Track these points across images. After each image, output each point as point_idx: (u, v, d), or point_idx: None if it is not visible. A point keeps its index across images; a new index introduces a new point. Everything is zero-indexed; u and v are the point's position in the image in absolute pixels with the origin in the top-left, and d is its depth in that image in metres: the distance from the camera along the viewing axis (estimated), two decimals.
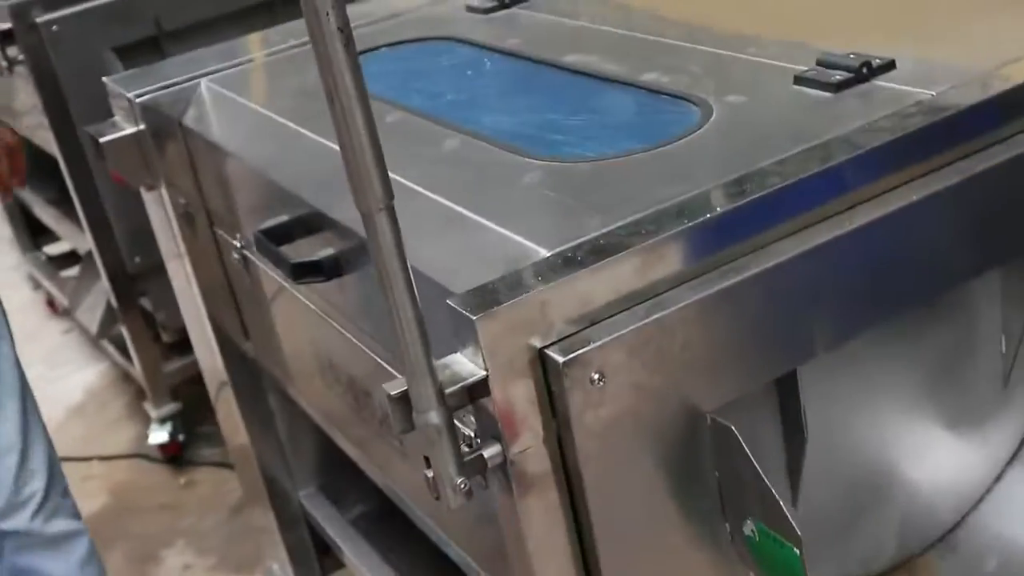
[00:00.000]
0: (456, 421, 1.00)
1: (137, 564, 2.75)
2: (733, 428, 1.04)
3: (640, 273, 1.04)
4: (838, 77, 1.27)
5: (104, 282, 3.02)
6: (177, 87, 1.79)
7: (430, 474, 1.01)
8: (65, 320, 3.90)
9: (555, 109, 1.42)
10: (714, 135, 1.25)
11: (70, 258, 3.80)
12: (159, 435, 3.04)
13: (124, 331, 2.97)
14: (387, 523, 2.02)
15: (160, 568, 2.73)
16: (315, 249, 1.40)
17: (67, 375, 3.58)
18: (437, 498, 1.02)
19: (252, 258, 1.69)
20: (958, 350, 1.33)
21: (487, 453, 1.02)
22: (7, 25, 2.65)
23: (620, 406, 1.02)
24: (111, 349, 3.23)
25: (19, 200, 3.71)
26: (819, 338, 1.12)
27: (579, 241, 1.06)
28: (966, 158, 1.18)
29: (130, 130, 1.79)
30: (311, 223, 1.43)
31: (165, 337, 3.08)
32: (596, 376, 1.00)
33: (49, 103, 2.71)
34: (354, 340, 1.42)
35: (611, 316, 1.03)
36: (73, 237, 3.31)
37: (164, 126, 1.76)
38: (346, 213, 1.35)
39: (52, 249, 3.86)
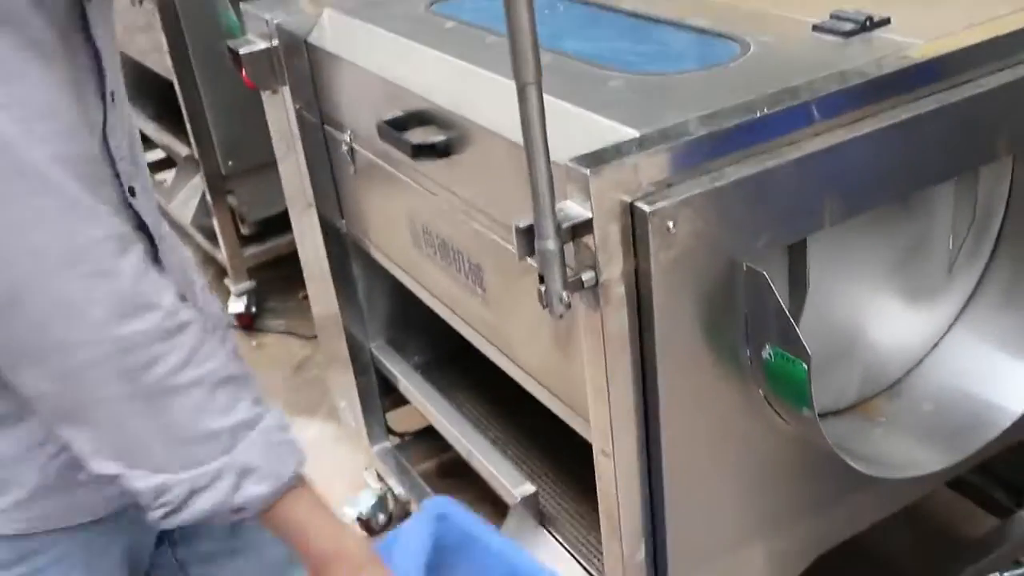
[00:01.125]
0: None
1: None
2: (764, 272, 1.16)
3: (705, 152, 1.15)
4: (848, 27, 1.37)
5: (200, 181, 3.09)
6: (304, 13, 1.86)
7: (543, 288, 1.12)
8: None
9: (623, 40, 1.50)
10: (753, 62, 1.34)
11: (163, 164, 3.85)
12: (237, 305, 3.11)
13: (214, 221, 3.04)
14: (442, 370, 2.14)
15: None
16: (427, 136, 1.49)
17: None
18: (546, 307, 1.13)
19: (359, 148, 1.78)
20: (919, 241, 1.45)
21: (584, 277, 1.12)
22: None
23: (685, 249, 1.13)
24: (199, 237, 3.29)
25: None
26: (827, 214, 1.23)
27: (661, 127, 1.16)
28: (939, 93, 1.29)
29: (264, 45, 1.86)
30: (423, 116, 1.51)
31: (243, 229, 3.17)
32: (670, 224, 1.11)
33: (169, 30, 2.75)
34: (453, 209, 1.52)
35: (683, 182, 1.14)
36: (171, 145, 3.36)
37: (293, 43, 1.82)
38: (455, 106, 1.45)
39: (148, 156, 3.89)
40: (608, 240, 1.11)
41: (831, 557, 1.47)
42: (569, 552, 1.66)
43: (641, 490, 1.28)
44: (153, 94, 3.68)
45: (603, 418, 1.23)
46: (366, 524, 2.29)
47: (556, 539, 1.70)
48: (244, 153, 2.94)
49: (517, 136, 1.25)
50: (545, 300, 1.12)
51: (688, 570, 1.33)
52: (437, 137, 1.46)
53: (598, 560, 1.61)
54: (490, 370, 2.16)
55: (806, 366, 1.14)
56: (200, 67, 2.81)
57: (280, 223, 3.12)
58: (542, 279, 1.11)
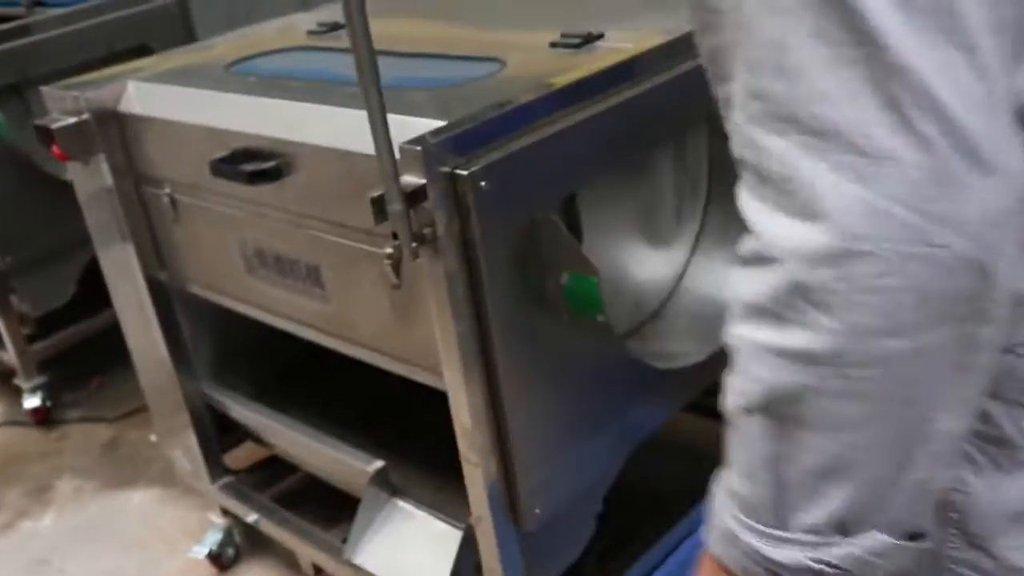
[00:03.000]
0: None
1: (36, 494, 2.89)
2: (554, 216, 1.56)
3: (495, 131, 1.55)
4: (576, 41, 1.83)
5: None
6: (111, 85, 2.10)
7: (397, 243, 1.46)
8: None
9: (412, 71, 1.87)
10: (512, 71, 1.77)
11: None
12: (32, 401, 3.17)
13: None
14: (270, 397, 2.37)
15: (55, 494, 2.88)
16: (257, 166, 1.79)
17: None
18: (399, 261, 1.47)
19: (180, 196, 2.04)
20: (653, 197, 1.93)
21: (426, 231, 1.48)
22: None
23: (493, 204, 1.50)
24: None
25: None
26: (582, 174, 1.66)
27: (459, 117, 1.55)
28: (645, 80, 1.76)
29: (74, 119, 2.08)
30: (247, 152, 1.80)
31: (25, 327, 3.24)
32: (483, 184, 1.49)
33: None
34: (286, 225, 1.83)
35: (484, 154, 1.52)
36: None
37: (104, 113, 2.06)
38: (280, 135, 1.76)
39: None
40: (438, 201, 1.48)
41: (615, 499, 1.85)
42: (426, 512, 1.96)
43: (487, 412, 1.62)
44: None
45: (453, 355, 1.57)
46: (217, 559, 2.47)
47: (410, 505, 1.99)
48: (21, 248, 3.06)
49: (342, 146, 1.62)
50: (396, 254, 1.46)
51: (531, 472, 1.68)
52: (268, 164, 1.77)
53: (451, 512, 1.93)
54: (316, 384, 2.45)
55: (596, 278, 1.55)
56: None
57: (62, 316, 3.25)
58: (395, 236, 1.45)
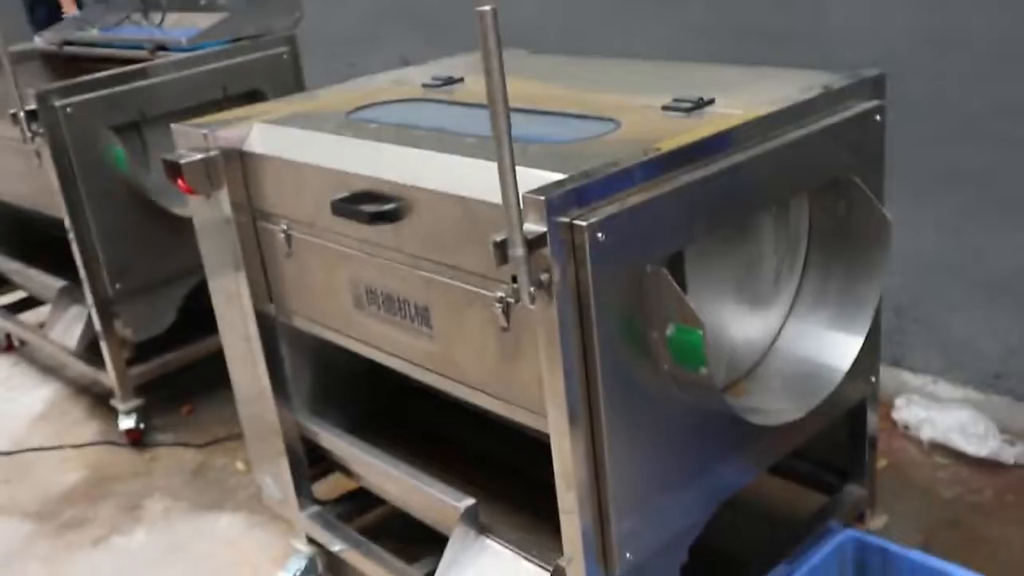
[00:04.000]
0: None
1: (127, 511, 2.98)
2: (663, 268, 1.61)
3: (614, 186, 1.61)
4: (687, 105, 1.90)
5: (79, 310, 3.29)
6: (237, 125, 2.21)
7: (515, 286, 1.51)
8: (10, 356, 4.02)
9: (532, 125, 1.94)
10: (627, 132, 1.84)
11: (20, 306, 3.97)
12: (127, 423, 3.28)
13: (103, 344, 3.22)
14: (362, 432, 2.43)
15: (146, 512, 2.97)
16: (377, 207, 1.87)
17: (24, 394, 3.73)
18: (518, 301, 1.53)
19: (296, 233, 2.13)
20: (754, 261, 1.97)
21: (543, 277, 1.53)
22: (32, 106, 2.95)
23: (608, 255, 1.56)
24: (78, 363, 3.44)
25: None
26: (695, 230, 1.71)
27: (580, 171, 1.61)
28: (754, 146, 1.81)
29: (201, 156, 2.18)
30: (368, 194, 1.88)
31: (125, 352, 3.36)
32: (600, 235, 1.54)
33: (60, 168, 3.00)
34: (399, 265, 1.90)
35: (602, 207, 1.58)
36: (42, 282, 3.53)
37: (229, 151, 2.17)
38: (402, 180, 1.84)
39: (1, 300, 4.02)
40: (556, 248, 1.53)
41: (693, 561, 1.85)
42: (514, 552, 1.98)
43: (587, 456, 1.66)
44: (12, 237, 3.86)
45: (559, 399, 1.61)
46: None
47: (499, 544, 2.01)
48: (129, 276, 3.19)
49: (462, 192, 1.69)
50: (515, 296, 1.52)
51: (625, 517, 1.71)
52: (388, 206, 1.85)
53: (539, 553, 1.96)
54: (408, 422, 2.51)
55: (701, 332, 1.59)
56: (89, 200, 3.07)
57: (160, 343, 3.36)
58: (514, 279, 1.51)
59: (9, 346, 4.07)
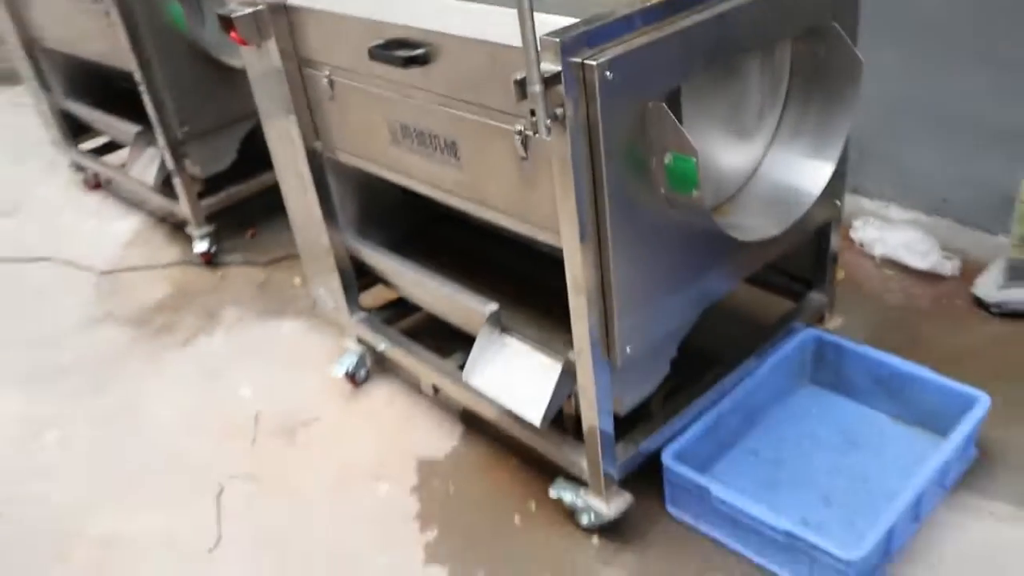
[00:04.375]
0: None
1: (207, 319, 3.01)
2: (663, 103, 1.55)
3: (621, 29, 1.52)
4: None
5: (154, 151, 3.23)
6: None
7: (533, 119, 1.46)
8: (99, 192, 3.99)
9: None
10: None
11: (103, 149, 3.91)
12: (201, 246, 3.27)
13: (176, 180, 3.18)
14: (400, 250, 2.40)
15: (222, 318, 3.00)
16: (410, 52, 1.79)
17: (113, 224, 3.70)
18: (534, 133, 1.48)
19: (337, 78, 2.05)
20: (743, 95, 1.89)
21: (558, 111, 1.48)
22: None
23: (615, 91, 1.50)
24: (156, 197, 3.41)
25: (61, 109, 3.78)
26: (691, 68, 1.63)
27: (586, 17, 1.53)
28: None
29: (251, 10, 2.07)
30: (401, 41, 1.80)
31: (196, 186, 3.32)
32: (608, 74, 1.47)
33: (129, 28, 2.88)
34: (430, 104, 1.83)
35: (610, 48, 1.50)
36: (119, 128, 3.45)
37: (276, 5, 2.06)
38: (432, 27, 1.74)
39: (87, 145, 3.94)
40: (570, 86, 1.47)
41: (681, 356, 1.87)
42: (531, 347, 2.00)
43: (595, 266, 1.64)
44: (92, 89, 3.75)
45: (571, 218, 1.59)
46: (352, 378, 2.57)
47: (518, 340, 2.04)
48: (195, 120, 3.11)
49: (485, 37, 1.60)
50: (532, 128, 1.46)
51: (625, 318, 1.71)
52: (419, 51, 1.77)
53: (552, 348, 1.98)
54: (440, 241, 2.48)
55: (694, 160, 1.54)
56: (155, 55, 2.95)
57: (224, 178, 3.32)
58: (532, 113, 1.45)
59: (97, 184, 4.02)
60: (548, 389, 1.88)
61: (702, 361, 2.11)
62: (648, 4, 1.55)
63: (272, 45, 2.12)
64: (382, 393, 2.57)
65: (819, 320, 2.33)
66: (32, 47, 3.68)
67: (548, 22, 1.54)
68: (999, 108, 2.63)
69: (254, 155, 3.17)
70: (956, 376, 2.06)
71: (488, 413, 2.15)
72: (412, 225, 2.52)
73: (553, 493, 2.05)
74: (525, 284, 2.30)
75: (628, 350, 1.74)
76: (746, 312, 2.46)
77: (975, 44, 2.61)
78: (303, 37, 2.09)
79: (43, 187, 4.10)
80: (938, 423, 2.06)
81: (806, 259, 2.28)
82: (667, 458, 1.95)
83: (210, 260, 3.32)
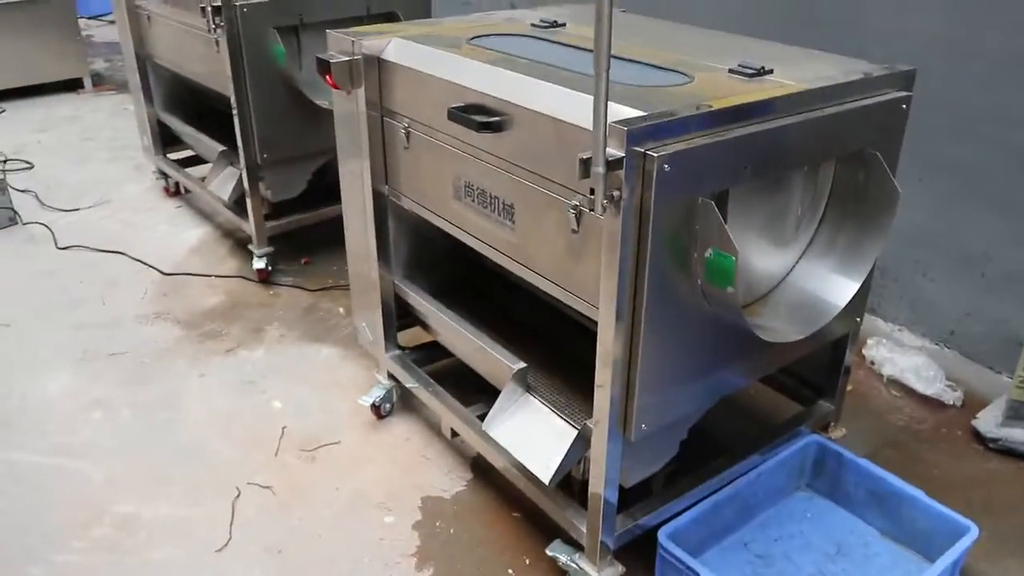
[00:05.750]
0: None
1: (252, 332, 3.01)
2: (712, 202, 1.53)
3: (683, 128, 1.52)
4: (750, 71, 1.79)
5: (234, 170, 3.28)
6: (379, 37, 2.13)
7: (591, 196, 1.45)
8: (176, 200, 4.04)
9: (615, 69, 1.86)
10: (698, 86, 1.74)
11: (187, 162, 3.97)
12: (259, 263, 3.29)
13: (248, 200, 3.21)
14: (443, 299, 2.39)
15: (266, 335, 3.00)
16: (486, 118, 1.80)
17: (183, 231, 3.74)
18: (590, 210, 1.47)
19: (414, 131, 2.07)
20: (781, 209, 1.88)
21: (615, 193, 1.47)
22: (218, 3, 2.88)
23: (669, 183, 1.49)
24: (226, 212, 3.45)
25: (157, 119, 3.86)
26: (742, 175, 1.62)
27: (656, 111, 1.53)
28: (801, 113, 1.70)
29: (347, 58, 2.10)
30: (478, 106, 1.81)
31: (264, 209, 3.35)
32: (666, 166, 1.47)
33: (233, 57, 2.94)
34: (495, 168, 1.84)
35: (671, 143, 1.50)
36: (207, 144, 3.52)
37: (370, 57, 2.10)
38: (507, 98, 1.75)
39: (173, 155, 4.01)
40: (630, 171, 1.46)
41: (689, 440, 1.82)
42: (551, 409, 1.97)
43: (625, 343, 1.62)
44: (186, 106, 3.84)
45: (611, 293, 1.57)
46: (377, 409, 2.54)
47: (540, 401, 2.00)
48: (275, 149, 3.15)
49: (557, 115, 1.61)
50: (592, 205, 1.45)
51: (646, 396, 1.68)
52: (494, 118, 1.78)
53: (570, 415, 1.94)
54: (481, 295, 2.47)
55: (734, 258, 1.52)
56: (251, 84, 3.01)
57: (289, 207, 3.35)
58: (591, 192, 1.45)
59: (176, 191, 4.09)
60: (561, 451, 1.84)
61: (708, 448, 2.06)
62: (710, 109, 1.55)
63: (361, 92, 2.15)
64: (402, 428, 2.54)
65: (824, 428, 2.27)
66: (144, 61, 3.78)
67: (617, 111, 1.54)
68: (1012, 252, 2.60)
69: (322, 189, 3.23)
70: (948, 503, 1.99)
71: (499, 463, 2.10)
72: (456, 275, 2.51)
73: (549, 552, 1.99)
74: (554, 348, 2.27)
75: (644, 426, 1.70)
76: (756, 409, 2.41)
77: (995, 190, 2.59)
78: (390, 89, 2.12)
79: (130, 185, 4.17)
80: (926, 546, 1.98)
81: (820, 367, 2.23)
82: (663, 536, 1.88)
83: (265, 278, 3.34)
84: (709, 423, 1.88)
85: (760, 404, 2.41)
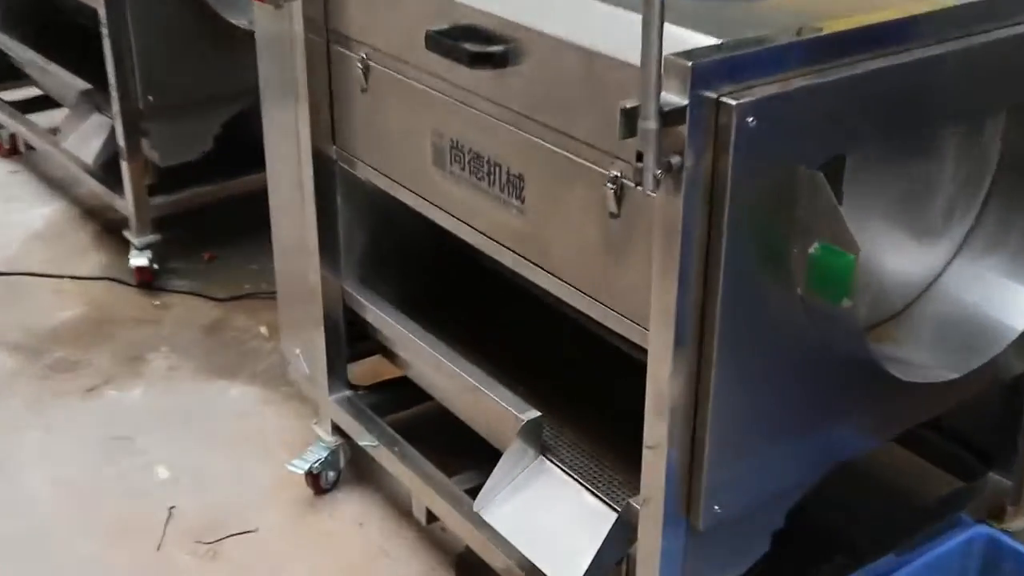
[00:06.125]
0: None
1: (126, 362, 3.08)
2: (820, 173, 1.58)
3: (777, 63, 1.57)
4: None
5: (113, 117, 3.34)
6: None
7: (638, 165, 1.50)
8: (12, 162, 4.12)
9: None
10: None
11: (33, 104, 4.05)
12: (139, 259, 3.37)
13: (124, 164, 3.29)
14: (415, 313, 2.45)
15: (148, 367, 3.06)
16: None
17: (23, 209, 3.83)
18: (636, 185, 1.52)
19: (376, 65, 2.13)
20: (928, 181, 1.93)
21: (673, 160, 1.52)
22: None
23: (757, 146, 1.53)
24: (90, 182, 3.52)
25: None
26: (867, 134, 1.67)
27: (739, 38, 1.58)
28: (946, 41, 1.73)
29: None
30: (472, 30, 1.86)
31: (148, 177, 3.41)
32: (750, 119, 1.52)
33: None
34: (496, 121, 1.89)
35: (759, 86, 1.55)
36: (61, 79, 3.59)
37: None
38: (516, 18, 1.80)
39: (9, 95, 4.08)
40: (696, 128, 1.51)
41: (788, 531, 1.85)
42: (579, 482, 2.00)
43: (688, 383, 1.65)
44: (31, 21, 3.91)
45: (667, 310, 1.61)
46: (315, 480, 2.60)
47: (561, 469, 2.04)
48: (165, 89, 3.22)
49: (588, 43, 1.67)
50: (637, 177, 1.51)
51: (720, 462, 1.71)
52: (494, 47, 1.83)
53: (607, 488, 1.99)
54: (472, 307, 2.51)
55: (853, 257, 1.56)
56: None
57: (187, 176, 3.42)
58: (638, 157, 1.50)
59: (12, 150, 4.16)
60: (593, 546, 1.88)
61: (818, 544, 2.10)
62: (819, 34, 1.61)
63: (297, 6, 2.21)
64: (353, 509, 2.59)
65: (997, 515, 2.31)
66: None
67: (678, 38, 1.59)
68: None
69: (235, 150, 3.28)
70: None
71: (498, 563, 2.15)
72: (435, 279, 2.56)
73: None
74: (581, 388, 2.32)
75: (717, 508, 1.74)
76: (891, 485, 2.44)
77: None
78: (341, 4, 2.18)
79: None
80: None
81: (988, 422, 2.27)
82: None
83: (148, 281, 3.41)
84: (818, 506, 1.92)
85: (898, 478, 2.44)
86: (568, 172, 1.78)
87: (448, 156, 2.04)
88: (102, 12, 3.09)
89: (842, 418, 1.84)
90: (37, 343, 3.16)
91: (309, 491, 2.61)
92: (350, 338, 2.52)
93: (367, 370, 2.65)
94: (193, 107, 3.29)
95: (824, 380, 1.78)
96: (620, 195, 1.69)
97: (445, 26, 1.91)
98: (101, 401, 2.94)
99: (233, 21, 3.14)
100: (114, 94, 3.20)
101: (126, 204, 3.36)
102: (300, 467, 2.58)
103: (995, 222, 2.00)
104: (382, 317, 2.40)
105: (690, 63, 1.49)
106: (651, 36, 1.44)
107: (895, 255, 1.96)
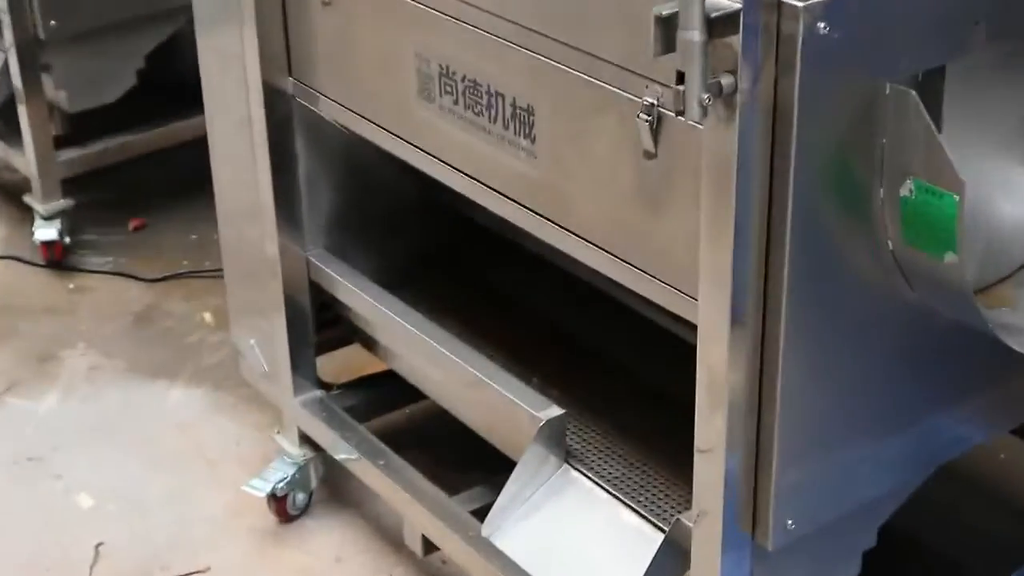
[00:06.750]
0: None
1: (36, 363, 3.09)
2: (912, 92, 1.58)
3: None
4: None
5: (6, 49, 3.33)
6: None
7: (678, 88, 1.50)
8: None
9: None
10: None
11: None
12: (46, 231, 3.38)
13: (22, 109, 3.29)
14: (407, 289, 2.46)
15: (63, 368, 3.08)
16: None
17: None
18: (676, 114, 1.52)
19: None
20: None
21: (723, 81, 1.52)
22: None
23: (830, 59, 1.53)
24: None
25: None
26: (973, 37, 1.66)
27: None
28: None
29: None
30: None
31: (54, 126, 3.42)
32: (821, 25, 1.51)
33: None
34: (496, 38, 1.89)
35: None
36: None
37: None
38: None
39: None
40: (752, 38, 1.51)
41: (881, 549, 1.86)
42: (613, 494, 2.01)
43: (749, 368, 1.66)
44: None
45: (720, 274, 1.61)
46: (279, 504, 2.61)
47: (590, 479, 2.05)
48: (73, 11, 3.21)
49: None
50: (678, 103, 1.51)
51: (790, 467, 1.72)
52: None
53: (649, 502, 2.00)
54: (468, 279, 2.51)
55: (957, 198, 1.56)
56: None
57: (104, 123, 3.41)
58: (680, 79, 1.50)
59: None
60: (636, 573, 1.90)
61: (923, 566, 2.11)
62: None
63: None
64: (329, 539, 2.60)
65: None
66: None
67: None
68: None
69: (163, 89, 3.31)
70: None
71: None
72: (427, 243, 2.57)
73: None
74: (612, 377, 2.32)
75: (790, 524, 1.74)
76: (1007, 491, 2.46)
77: None
78: None
79: None
80: None
81: None
82: None
83: (59, 259, 3.41)
84: (920, 518, 1.92)
85: (1015, 480, 2.46)
86: (590, 101, 1.78)
87: (437, 86, 2.04)
88: None
89: (945, 406, 1.85)
90: None
91: (273, 519, 2.63)
92: (318, 323, 2.54)
93: (341, 364, 2.67)
94: (109, 33, 3.29)
95: (922, 359, 1.78)
96: (657, 128, 1.69)
97: None
98: (5, 413, 2.95)
99: None
100: (4, 18, 3.19)
101: (26, 161, 3.37)
102: (260, 488, 2.60)
103: None
104: (357, 294, 2.41)
105: None
106: None
107: (1011, 198, 1.95)
